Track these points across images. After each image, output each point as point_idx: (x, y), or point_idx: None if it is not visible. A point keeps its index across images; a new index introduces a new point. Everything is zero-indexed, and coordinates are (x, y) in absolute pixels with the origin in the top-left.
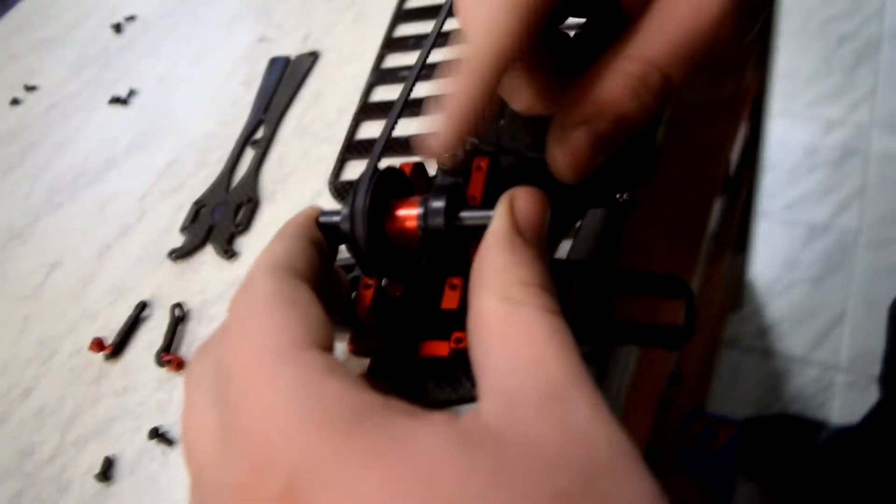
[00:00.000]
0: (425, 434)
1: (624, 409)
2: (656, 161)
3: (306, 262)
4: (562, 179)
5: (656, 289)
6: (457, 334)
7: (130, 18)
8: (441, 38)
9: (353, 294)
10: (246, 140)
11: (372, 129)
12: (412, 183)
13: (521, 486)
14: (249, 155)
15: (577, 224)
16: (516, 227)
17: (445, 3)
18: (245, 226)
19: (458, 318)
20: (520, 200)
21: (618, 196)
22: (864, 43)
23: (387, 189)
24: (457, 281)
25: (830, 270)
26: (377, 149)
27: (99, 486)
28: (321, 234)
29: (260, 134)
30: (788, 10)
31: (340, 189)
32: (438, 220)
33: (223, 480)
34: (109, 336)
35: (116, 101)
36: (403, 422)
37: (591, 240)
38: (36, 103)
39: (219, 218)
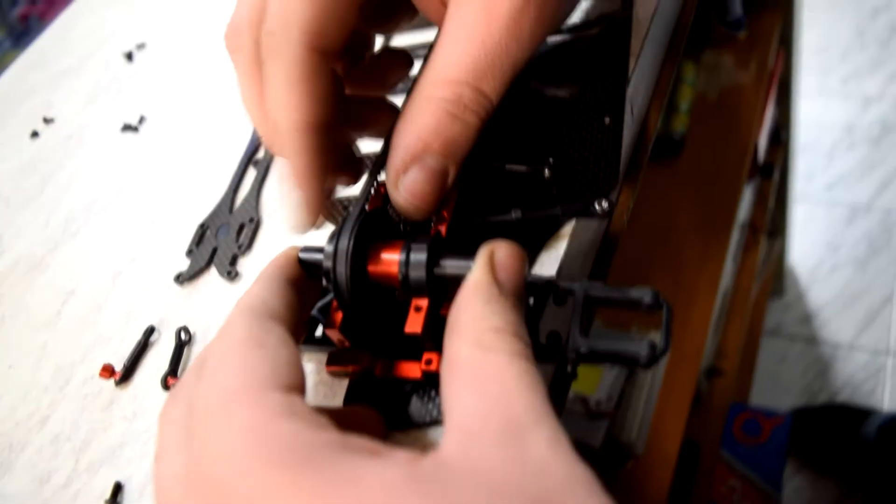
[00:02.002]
0: (377, 472)
1: (658, 407)
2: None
3: (283, 303)
4: (411, 219)
5: (633, 303)
6: (427, 355)
7: (141, 46)
8: None
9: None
10: (248, 160)
11: (367, 146)
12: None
13: None
14: (252, 175)
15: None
16: (495, 278)
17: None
18: (247, 246)
19: (424, 341)
20: (500, 253)
21: (595, 205)
22: None
23: (371, 230)
24: (422, 303)
25: (874, 251)
26: (364, 192)
27: None
28: (301, 273)
29: (261, 153)
30: None
31: (330, 207)
32: (420, 273)
33: None
34: (121, 361)
35: (128, 128)
36: (357, 460)
37: (580, 255)
38: (53, 135)
39: (222, 239)
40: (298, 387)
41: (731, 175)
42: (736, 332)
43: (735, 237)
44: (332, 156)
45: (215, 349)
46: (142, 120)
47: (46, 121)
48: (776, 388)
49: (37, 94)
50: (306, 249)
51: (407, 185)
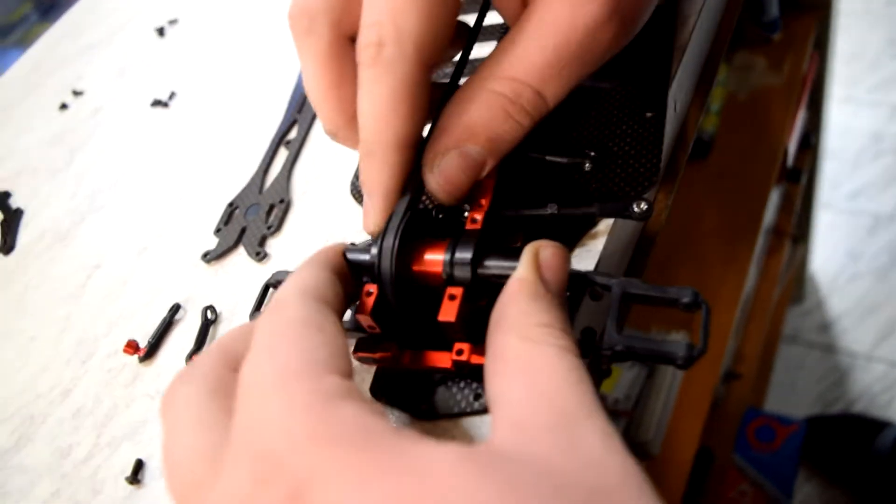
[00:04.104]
0: (435, 453)
1: (675, 409)
2: (707, 150)
3: (333, 292)
4: (440, 202)
5: (671, 302)
6: (458, 345)
7: (173, 22)
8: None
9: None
10: (280, 140)
11: None
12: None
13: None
14: (283, 155)
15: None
16: (540, 276)
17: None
18: (276, 227)
19: (456, 330)
20: (545, 252)
21: (634, 206)
22: None
23: (416, 229)
24: (456, 291)
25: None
26: (409, 188)
27: (130, 487)
28: (346, 268)
29: (293, 134)
30: None
31: (360, 192)
32: (465, 272)
33: (223, 497)
34: (145, 337)
35: (158, 103)
36: (415, 443)
37: (617, 253)
38: (82, 107)
39: (251, 219)
40: (351, 375)
41: (760, 178)
42: (755, 337)
43: (760, 242)
44: (411, 166)
45: (269, 326)
46: (172, 96)
47: (76, 93)
48: (791, 395)
49: (66, 66)
50: (352, 250)
51: (442, 169)
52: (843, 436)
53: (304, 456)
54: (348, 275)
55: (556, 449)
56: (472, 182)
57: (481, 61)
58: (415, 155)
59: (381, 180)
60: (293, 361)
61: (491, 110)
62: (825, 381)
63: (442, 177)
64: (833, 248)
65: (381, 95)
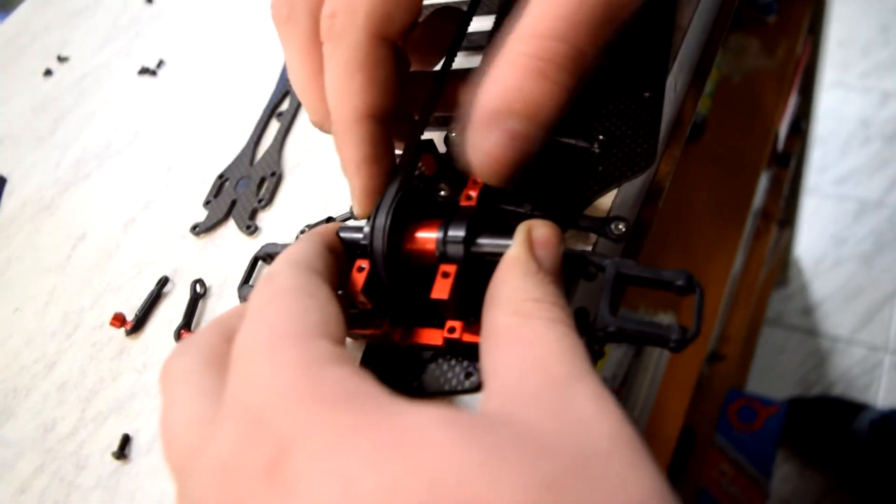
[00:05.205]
0: (418, 416)
1: (660, 389)
2: (700, 131)
3: (325, 265)
4: (487, 182)
5: (665, 284)
6: (450, 323)
7: None
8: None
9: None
10: (272, 112)
11: None
12: (433, 196)
13: (511, 465)
14: (274, 127)
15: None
16: (533, 255)
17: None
18: (268, 200)
19: (448, 308)
20: (537, 230)
21: (612, 227)
22: None
23: (409, 208)
24: (449, 269)
25: (880, 248)
26: (401, 166)
27: (116, 463)
28: (339, 244)
29: (285, 105)
30: None
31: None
32: (458, 250)
33: (212, 458)
34: (132, 310)
35: (145, 71)
36: (399, 405)
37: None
38: (68, 74)
39: (242, 192)
40: (343, 341)
41: (751, 161)
42: (740, 319)
43: (748, 225)
44: (390, 144)
45: (261, 295)
46: (160, 64)
47: (61, 59)
48: (772, 377)
49: (51, 31)
50: (345, 228)
51: (485, 150)
52: (822, 418)
53: (288, 414)
54: (341, 251)
55: (544, 412)
56: (521, 158)
57: (487, 33)
58: (386, 129)
59: (349, 156)
60: (282, 325)
61: (523, 75)
62: (806, 363)
63: (486, 157)
64: (818, 233)
65: (336, 68)
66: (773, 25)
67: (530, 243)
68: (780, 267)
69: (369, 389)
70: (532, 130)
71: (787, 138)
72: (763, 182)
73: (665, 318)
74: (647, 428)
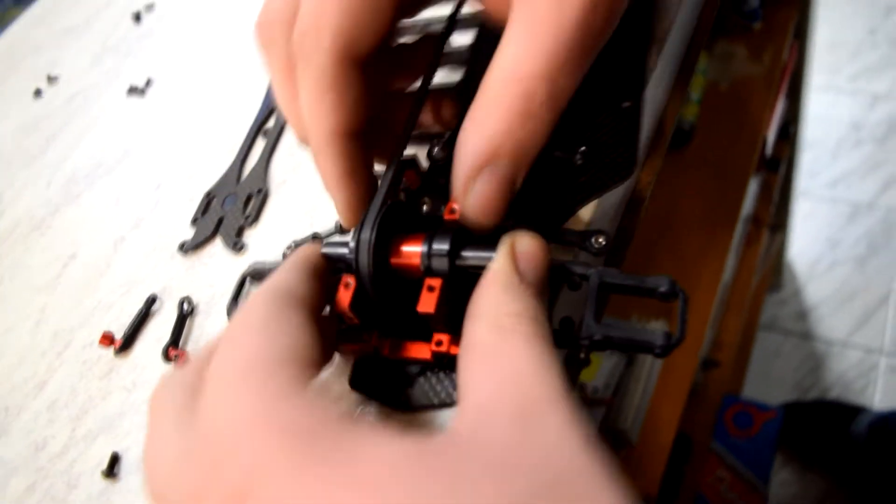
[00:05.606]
0: (380, 447)
1: (653, 397)
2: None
3: (307, 290)
4: (478, 229)
5: (649, 291)
6: (437, 336)
7: (150, 7)
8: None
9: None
10: (258, 129)
11: None
12: (419, 209)
13: (476, 490)
14: (261, 145)
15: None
16: (516, 268)
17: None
18: (254, 217)
19: (435, 322)
20: (521, 243)
21: (592, 241)
22: None
23: (393, 222)
24: (434, 283)
25: (874, 250)
26: (385, 181)
27: (106, 482)
28: (325, 266)
29: (272, 123)
30: None
31: None
32: (442, 263)
33: (184, 488)
34: (122, 329)
35: (134, 90)
36: (363, 435)
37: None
38: (57, 94)
39: (228, 209)
40: (317, 363)
41: (739, 167)
42: (733, 325)
43: (739, 230)
44: (368, 157)
45: (234, 325)
46: (149, 83)
47: (50, 79)
48: (768, 382)
49: (41, 51)
50: (329, 244)
51: (477, 196)
52: (819, 421)
53: (251, 447)
54: (327, 271)
55: (513, 436)
56: (510, 200)
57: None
58: (362, 143)
59: (328, 172)
60: (249, 356)
61: (509, 117)
62: (802, 368)
63: (478, 202)
64: (812, 237)
65: (307, 89)
66: (759, 32)
67: (514, 256)
68: (774, 271)
69: (331, 421)
70: (519, 171)
71: (775, 143)
72: (753, 187)
73: (658, 326)
74: (641, 436)
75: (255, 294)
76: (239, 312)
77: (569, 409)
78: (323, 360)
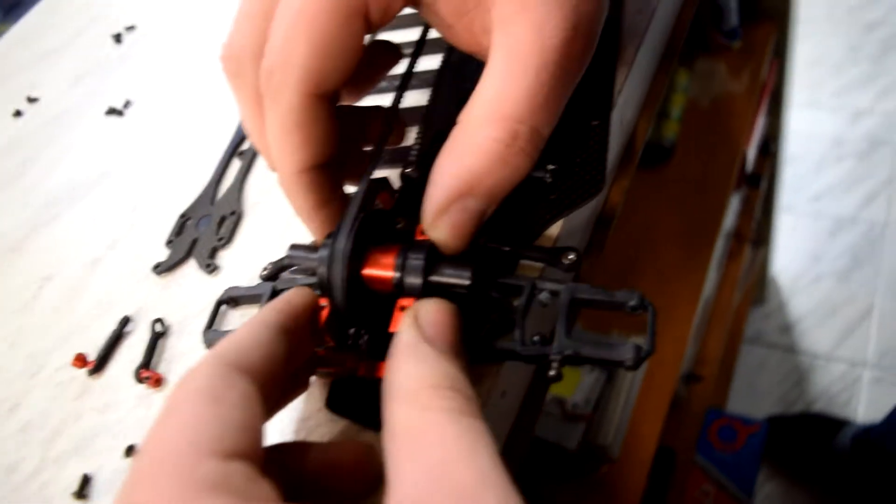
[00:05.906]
0: None
1: (634, 412)
2: (668, 156)
3: (264, 353)
4: (445, 252)
5: (618, 306)
6: None
7: (130, 28)
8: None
9: None
10: (233, 151)
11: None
12: (394, 220)
13: None
14: (236, 166)
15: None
16: (423, 336)
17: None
18: (228, 239)
19: None
20: (423, 312)
21: (562, 258)
22: (893, 30)
23: (367, 233)
24: (407, 303)
25: (857, 264)
26: (360, 193)
27: (77, 503)
28: (299, 324)
29: (247, 145)
30: None
31: None
32: (416, 279)
33: None
34: (96, 350)
35: (113, 111)
36: None
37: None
38: (37, 115)
39: (203, 231)
40: (246, 452)
41: (719, 184)
42: (716, 340)
43: (720, 246)
44: (338, 186)
45: (172, 397)
46: (127, 104)
47: (30, 100)
48: (753, 396)
49: (22, 72)
50: (296, 247)
51: (446, 225)
52: (803, 435)
53: None
54: (302, 328)
55: None
56: (477, 229)
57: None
58: (330, 173)
59: (298, 205)
60: (172, 442)
61: (490, 158)
62: (786, 381)
63: (447, 231)
64: (795, 251)
65: (274, 126)
66: (739, 50)
67: (418, 325)
68: (757, 286)
69: None
70: (493, 206)
71: (756, 159)
72: (734, 203)
73: (639, 342)
74: (622, 451)
75: (205, 357)
76: (179, 382)
77: (504, 489)
78: (257, 441)
